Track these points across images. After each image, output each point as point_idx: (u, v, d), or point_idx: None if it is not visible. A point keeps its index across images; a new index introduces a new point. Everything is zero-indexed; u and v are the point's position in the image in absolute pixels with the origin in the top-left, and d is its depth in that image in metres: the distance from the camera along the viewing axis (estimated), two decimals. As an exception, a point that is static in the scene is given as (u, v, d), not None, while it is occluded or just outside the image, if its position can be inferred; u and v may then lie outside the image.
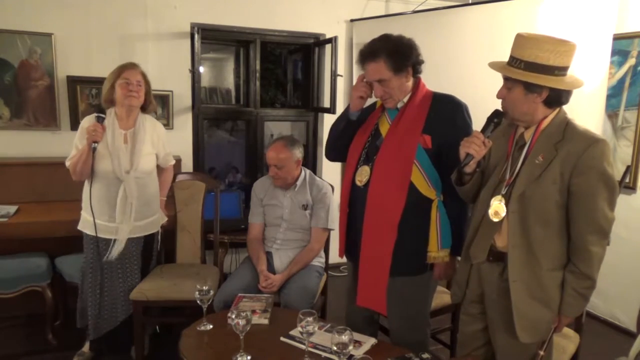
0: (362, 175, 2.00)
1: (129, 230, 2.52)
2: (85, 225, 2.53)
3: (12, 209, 2.95)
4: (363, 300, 2.03)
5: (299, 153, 2.64)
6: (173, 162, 2.84)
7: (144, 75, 2.56)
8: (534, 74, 1.55)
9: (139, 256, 2.63)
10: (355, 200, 2.04)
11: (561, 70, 1.57)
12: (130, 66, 2.53)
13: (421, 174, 1.90)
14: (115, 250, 2.50)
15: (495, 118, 1.68)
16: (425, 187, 1.91)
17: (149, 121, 2.63)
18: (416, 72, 1.98)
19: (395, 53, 1.89)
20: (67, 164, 2.50)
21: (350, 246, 2.12)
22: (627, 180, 3.20)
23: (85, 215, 2.54)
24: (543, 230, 1.60)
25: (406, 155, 1.91)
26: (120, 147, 2.48)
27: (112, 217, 2.49)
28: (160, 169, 2.76)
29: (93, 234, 2.48)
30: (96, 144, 2.38)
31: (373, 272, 1.98)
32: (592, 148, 1.53)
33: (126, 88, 2.47)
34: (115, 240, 2.50)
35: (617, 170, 3.21)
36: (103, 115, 2.45)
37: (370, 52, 1.91)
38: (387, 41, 1.92)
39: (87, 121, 2.51)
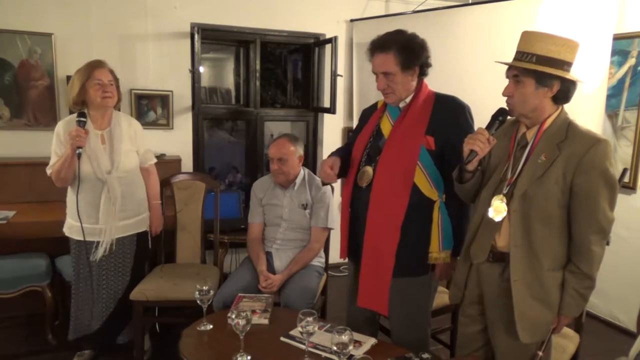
0: (365, 175, 1.99)
1: (115, 230, 2.49)
2: (72, 230, 2.50)
3: (10, 213, 2.92)
4: (364, 301, 2.03)
5: (301, 149, 2.66)
6: (154, 160, 2.76)
7: (112, 72, 2.50)
8: (546, 67, 1.57)
9: (132, 255, 2.62)
10: (357, 200, 2.04)
11: (569, 66, 1.60)
12: (99, 65, 2.46)
13: (424, 175, 1.90)
14: (99, 252, 2.47)
15: (500, 116, 1.68)
16: (427, 188, 1.91)
17: (124, 119, 2.60)
18: (423, 73, 1.98)
19: (406, 49, 1.89)
20: (49, 172, 2.46)
21: (352, 247, 2.11)
22: (625, 180, 3.20)
23: (71, 221, 2.50)
24: (544, 230, 1.61)
25: (410, 156, 1.90)
26: (98, 149, 2.44)
27: (98, 219, 2.45)
28: (144, 172, 2.68)
29: (80, 238, 2.45)
30: (81, 150, 2.33)
31: (375, 273, 1.97)
32: (595, 148, 1.54)
33: (101, 90, 2.41)
34: (99, 242, 2.46)
35: (617, 171, 3.21)
36: (84, 119, 2.38)
37: (382, 43, 1.91)
38: (401, 36, 1.92)
39: (62, 126, 2.46)
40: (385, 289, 1.96)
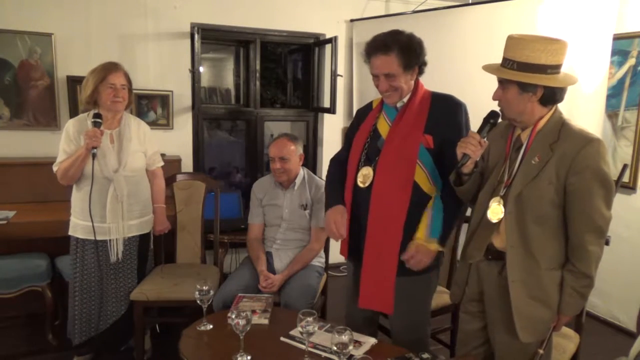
0: (365, 176, 1.99)
1: (123, 229, 2.50)
2: (76, 229, 2.50)
3: (10, 213, 2.92)
4: (365, 302, 2.01)
5: (300, 148, 2.67)
6: (161, 163, 2.77)
7: (126, 76, 2.51)
8: (527, 73, 1.56)
9: (135, 256, 2.62)
10: (357, 201, 2.03)
11: (554, 69, 1.58)
12: (114, 68, 2.46)
13: (424, 173, 1.90)
14: (117, 251, 2.49)
15: (491, 119, 1.69)
16: (427, 185, 1.91)
17: (134, 120, 2.62)
18: (421, 72, 1.98)
19: (407, 49, 1.89)
20: (55, 168, 2.47)
21: (352, 247, 2.11)
22: (625, 179, 3.20)
23: (75, 220, 2.51)
24: (540, 230, 1.61)
25: (409, 155, 1.90)
26: (106, 148, 2.46)
27: (105, 217, 2.47)
28: (150, 174, 2.70)
29: (91, 237, 2.46)
30: (95, 150, 2.35)
31: (378, 273, 1.96)
32: (587, 147, 1.54)
33: (112, 94, 2.43)
34: (111, 240, 2.48)
35: (618, 171, 3.20)
36: (100, 120, 2.40)
37: (383, 45, 1.89)
38: (401, 36, 1.91)
39: (72, 124, 2.48)
40: (390, 288, 1.94)
